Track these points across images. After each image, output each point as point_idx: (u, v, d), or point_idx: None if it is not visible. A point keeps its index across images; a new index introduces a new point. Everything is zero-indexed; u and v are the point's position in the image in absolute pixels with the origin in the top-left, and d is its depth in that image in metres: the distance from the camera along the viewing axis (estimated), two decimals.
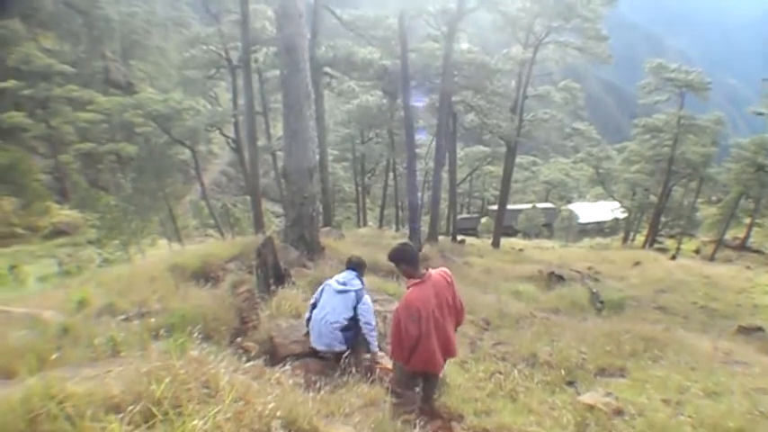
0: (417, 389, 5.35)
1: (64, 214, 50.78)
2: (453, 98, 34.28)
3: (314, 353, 6.63)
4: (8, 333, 5.79)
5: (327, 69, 30.78)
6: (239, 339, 7.09)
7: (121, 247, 32.47)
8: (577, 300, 17.66)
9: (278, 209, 54.14)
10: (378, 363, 6.68)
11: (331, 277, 6.92)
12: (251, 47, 27.01)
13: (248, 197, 38.50)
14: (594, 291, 18.96)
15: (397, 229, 46.26)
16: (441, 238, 33.20)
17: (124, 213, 33.14)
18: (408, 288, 5.11)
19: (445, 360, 5.29)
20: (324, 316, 6.41)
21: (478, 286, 18.33)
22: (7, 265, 30.15)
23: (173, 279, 10.52)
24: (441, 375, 5.66)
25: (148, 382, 3.19)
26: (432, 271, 5.18)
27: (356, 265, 6.83)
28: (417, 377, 5.26)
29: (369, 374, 6.15)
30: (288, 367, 5.51)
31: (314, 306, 6.70)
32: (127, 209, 34.14)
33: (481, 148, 57.34)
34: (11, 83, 55.88)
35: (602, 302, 17.84)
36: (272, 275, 9.32)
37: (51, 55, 64.60)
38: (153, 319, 6.82)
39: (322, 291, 6.73)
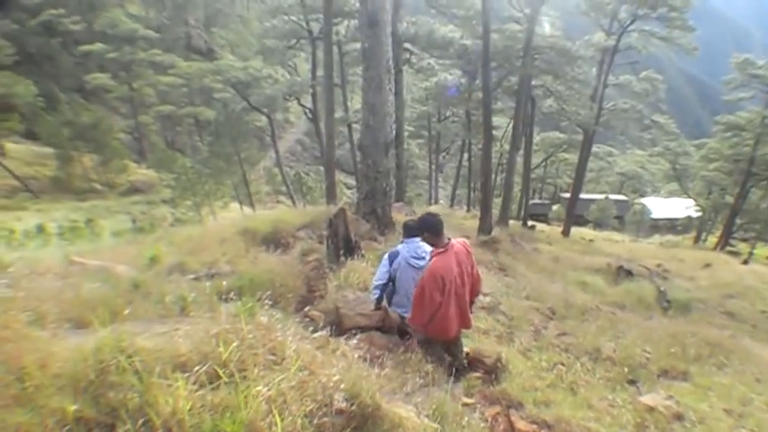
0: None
1: (141, 173, 52.62)
2: (533, 82, 33.76)
3: (379, 327, 6.65)
4: (82, 285, 5.89)
5: (407, 45, 30.67)
6: (306, 308, 7.13)
7: (194, 207, 33.33)
8: (644, 297, 17.27)
9: (350, 181, 54.66)
10: None
11: (395, 254, 6.50)
12: (333, 18, 27.12)
13: (321, 167, 38.85)
14: (662, 289, 18.51)
15: (468, 210, 46.06)
16: (511, 222, 32.84)
17: (199, 175, 34.02)
18: (432, 258, 5.36)
19: (460, 329, 5.72)
20: (407, 289, 6.24)
21: (546, 274, 18.12)
22: (84, 219, 31.23)
23: (243, 242, 10.72)
24: (459, 339, 5.97)
25: (216, 344, 3.21)
26: (453, 241, 5.41)
27: (419, 230, 6.13)
28: (435, 344, 5.65)
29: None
30: (353, 340, 5.66)
31: (390, 282, 6.50)
32: (202, 171, 35.03)
33: (557, 134, 56.48)
34: (97, 46, 58.13)
35: (668, 302, 17.40)
36: (343, 246, 9.32)
37: (136, 20, 66.79)
38: (222, 281, 6.90)
39: (396, 268, 6.37)
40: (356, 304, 6.99)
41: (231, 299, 4.95)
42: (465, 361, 6.01)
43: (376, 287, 6.50)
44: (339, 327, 6.44)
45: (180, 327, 3.72)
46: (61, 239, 23.78)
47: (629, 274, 20.74)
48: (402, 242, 6.53)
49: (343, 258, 9.03)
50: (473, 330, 7.18)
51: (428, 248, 5.99)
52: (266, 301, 4.45)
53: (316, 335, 4.69)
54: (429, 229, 5.38)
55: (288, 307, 6.77)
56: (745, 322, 18.12)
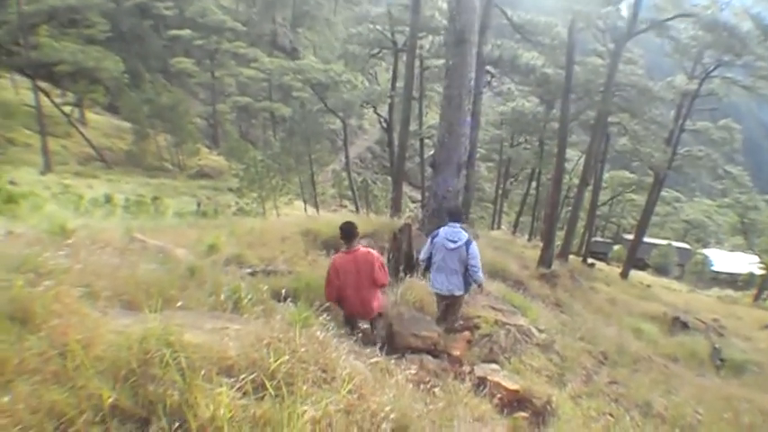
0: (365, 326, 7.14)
1: (211, 159, 53.95)
2: (609, 118, 33.38)
3: (430, 350, 6.79)
4: (139, 264, 5.92)
5: (489, 68, 30.73)
6: (359, 321, 7.16)
7: (259, 200, 33.74)
8: (697, 352, 16.75)
9: (415, 194, 54.47)
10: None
11: (436, 234, 7.73)
12: (418, 32, 27.39)
13: (389, 178, 39.06)
14: (717, 346, 17.93)
15: (530, 239, 45.58)
16: (571, 257, 32.47)
17: (268, 169, 34.34)
18: (337, 255, 6.96)
19: (366, 315, 6.90)
20: (446, 269, 7.55)
21: (602, 315, 17.72)
22: (151, 195, 32.04)
23: (303, 243, 10.79)
24: (374, 319, 7.04)
25: (267, 353, 3.11)
26: (361, 248, 6.75)
27: (458, 216, 7.91)
28: (353, 320, 6.95)
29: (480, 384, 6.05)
30: (404, 362, 5.57)
31: (429, 260, 7.82)
32: (271, 166, 35.40)
33: (626, 173, 55.49)
34: (186, 32, 60.21)
35: (722, 360, 16.84)
36: (404, 262, 9.24)
37: (226, 12, 68.49)
38: (279, 281, 7.00)
39: (433, 248, 7.71)
40: (410, 324, 7.02)
41: (286, 300, 5.08)
42: (383, 337, 6.84)
43: (422, 260, 7.95)
44: (391, 344, 6.47)
45: (231, 326, 3.68)
46: (126, 212, 24.13)
47: (685, 326, 20.16)
48: (442, 225, 7.84)
49: (402, 275, 8.98)
50: (525, 367, 7.20)
51: (464, 235, 7.55)
52: (320, 310, 4.51)
53: (368, 352, 4.73)
54: (343, 235, 6.70)
55: (340, 316, 6.79)
56: None
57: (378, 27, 36.18)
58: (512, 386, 6.12)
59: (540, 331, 9.06)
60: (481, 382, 6.09)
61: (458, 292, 7.64)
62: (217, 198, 40.06)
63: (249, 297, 5.27)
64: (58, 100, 45.82)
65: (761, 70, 31.39)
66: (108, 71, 46.27)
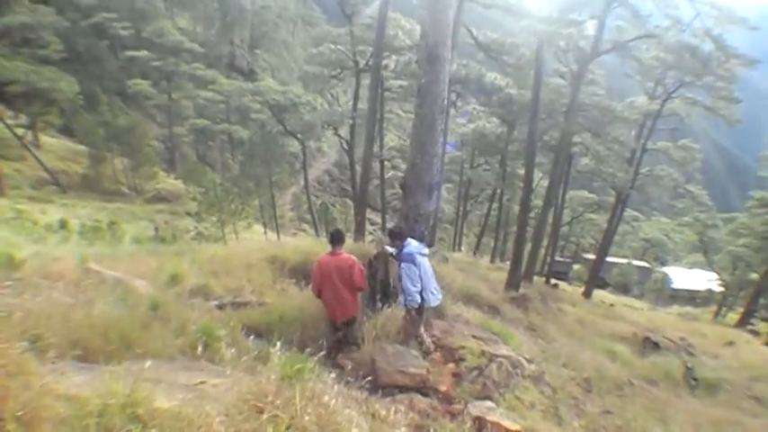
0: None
1: (169, 182, 53.06)
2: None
3: (419, 388, 6.40)
4: (95, 303, 5.31)
5: (455, 88, 30.54)
6: (338, 355, 6.96)
7: (218, 224, 32.95)
8: (671, 372, 16.77)
9: (374, 217, 54.31)
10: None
11: (410, 254, 7.63)
12: (382, 52, 27.03)
13: (348, 200, 38.65)
14: (689, 366, 17.97)
15: (492, 260, 45.41)
16: (534, 278, 32.33)
17: (227, 193, 33.63)
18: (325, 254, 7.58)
19: (343, 315, 7.33)
20: (431, 276, 7.83)
21: (574, 339, 17.58)
22: (108, 220, 31.21)
23: (270, 271, 10.27)
24: (349, 321, 7.45)
25: (259, 423, 2.55)
26: (343, 254, 7.40)
27: (402, 236, 7.95)
28: (333, 322, 7.44)
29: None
30: (395, 403, 5.32)
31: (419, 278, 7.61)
32: (230, 189, 34.72)
33: (586, 194, 56.05)
34: (143, 53, 59.87)
35: (695, 379, 16.91)
36: (380, 291, 8.85)
37: (183, 33, 68.41)
38: (250, 314, 6.70)
39: (418, 266, 7.58)
40: (395, 359, 6.61)
41: (260, 336, 4.67)
42: (357, 339, 7.40)
43: (416, 292, 7.46)
44: (374, 381, 6.07)
45: (209, 380, 3.16)
46: (81, 238, 23.55)
47: (656, 346, 20.27)
48: (403, 246, 7.73)
49: (379, 304, 8.59)
50: (520, 403, 6.91)
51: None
52: (294, 344, 4.34)
53: (355, 390, 4.51)
54: (332, 239, 7.50)
55: (319, 352, 6.26)
56: None
57: (339, 47, 35.83)
58: (513, 427, 5.70)
59: (529, 362, 8.73)
60: (479, 422, 5.71)
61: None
62: (175, 223, 39.44)
63: (222, 337, 4.82)
64: (10, 122, 44.65)
65: (721, 90, 31.87)
66: (63, 92, 45.44)
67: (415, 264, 7.52)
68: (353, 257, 7.46)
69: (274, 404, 2.68)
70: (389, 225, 27.48)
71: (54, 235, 22.31)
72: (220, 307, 7.28)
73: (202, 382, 3.08)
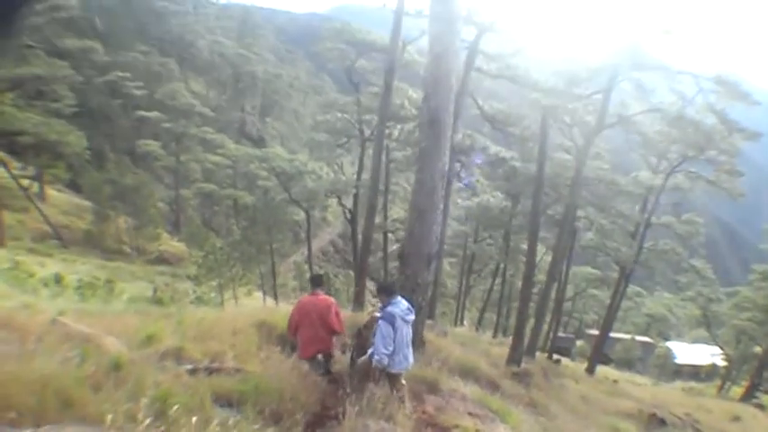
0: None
1: (172, 244, 53.15)
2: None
3: None
4: (42, 354, 4.99)
5: (462, 158, 30.58)
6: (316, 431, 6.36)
7: (217, 289, 32.79)
8: None
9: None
10: None
11: (392, 315, 7.22)
12: (387, 120, 27.13)
13: (351, 272, 38.37)
14: None
15: (495, 335, 44.81)
16: (537, 353, 31.78)
17: (228, 258, 33.64)
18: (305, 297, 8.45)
19: (318, 351, 7.96)
20: (406, 343, 7.44)
21: (579, 417, 17.11)
22: (104, 279, 31.04)
23: (257, 337, 9.84)
24: (327, 357, 8.10)
25: None
26: (321, 295, 8.26)
27: (393, 291, 7.68)
28: (312, 359, 7.99)
29: None
30: None
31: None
32: (231, 254, 34.71)
33: (590, 269, 55.82)
34: (154, 113, 60.42)
35: None
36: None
37: (196, 97, 69.45)
38: (223, 381, 6.30)
39: (396, 330, 7.16)
40: None
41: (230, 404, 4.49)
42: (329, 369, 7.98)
43: (385, 354, 7.06)
44: None
45: None
46: (76, 294, 23.10)
47: (663, 422, 20.02)
48: (389, 304, 7.30)
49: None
50: None
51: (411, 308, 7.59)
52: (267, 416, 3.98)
53: None
54: (312, 281, 8.83)
55: (294, 427, 5.86)
56: None
57: (346, 115, 36.14)
58: None
59: None
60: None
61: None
62: (175, 285, 39.05)
63: (178, 405, 4.36)
64: (18, 173, 44.94)
65: (724, 164, 31.96)
66: (70, 146, 45.64)
67: (393, 326, 7.13)
68: (332, 299, 8.29)
69: None
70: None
71: (48, 289, 22.08)
72: (193, 372, 6.86)
73: None
